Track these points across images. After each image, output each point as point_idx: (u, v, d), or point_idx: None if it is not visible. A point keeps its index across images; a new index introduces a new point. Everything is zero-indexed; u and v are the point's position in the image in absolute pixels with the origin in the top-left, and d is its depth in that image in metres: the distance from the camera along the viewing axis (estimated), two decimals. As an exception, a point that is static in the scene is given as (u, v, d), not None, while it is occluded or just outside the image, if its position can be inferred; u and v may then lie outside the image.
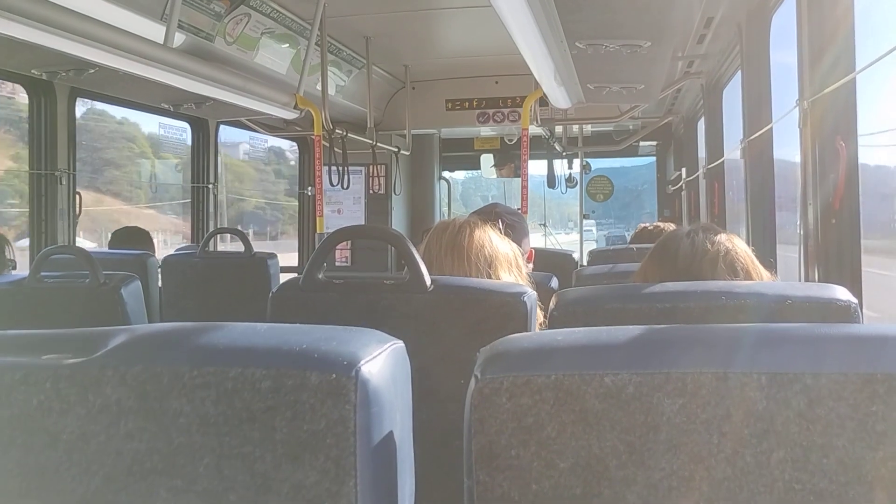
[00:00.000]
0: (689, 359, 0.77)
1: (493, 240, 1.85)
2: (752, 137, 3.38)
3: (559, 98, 3.86)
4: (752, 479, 0.76)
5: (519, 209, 3.72)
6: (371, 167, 6.08)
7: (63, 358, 0.85)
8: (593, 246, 10.43)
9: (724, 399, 0.76)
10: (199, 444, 0.81)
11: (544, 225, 10.41)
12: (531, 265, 2.23)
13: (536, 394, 0.78)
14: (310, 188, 5.97)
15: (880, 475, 0.74)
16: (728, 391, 0.76)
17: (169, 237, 10.11)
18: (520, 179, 4.29)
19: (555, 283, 2.84)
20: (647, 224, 4.58)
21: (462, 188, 7.35)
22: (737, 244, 1.61)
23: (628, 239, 5.40)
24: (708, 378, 0.76)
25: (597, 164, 7.61)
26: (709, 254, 1.57)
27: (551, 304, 1.38)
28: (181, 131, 5.51)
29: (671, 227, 2.98)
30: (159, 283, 3.75)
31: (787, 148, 3.25)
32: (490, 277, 1.78)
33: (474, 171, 8.22)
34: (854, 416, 0.74)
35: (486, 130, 6.85)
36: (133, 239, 4.23)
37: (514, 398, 0.78)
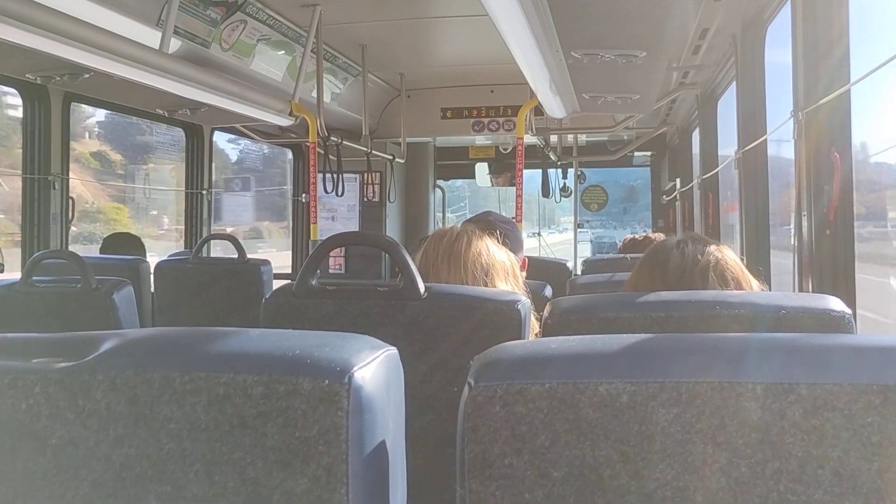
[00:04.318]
0: (684, 368, 0.77)
1: (490, 248, 1.85)
2: (746, 148, 3.39)
3: (554, 107, 3.87)
4: (746, 490, 0.75)
5: (513, 218, 3.72)
6: (366, 175, 6.08)
7: (53, 362, 0.84)
8: (588, 244, 10.43)
9: (719, 409, 0.75)
10: (189, 450, 0.80)
11: (539, 234, 10.41)
12: (524, 274, 2.23)
13: (530, 402, 0.77)
14: (304, 195, 5.96)
15: (875, 486, 0.74)
16: (723, 401, 0.75)
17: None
18: (514, 188, 4.29)
19: (549, 291, 2.84)
20: (636, 234, 4.58)
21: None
22: (726, 254, 1.61)
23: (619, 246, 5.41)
24: (703, 388, 0.75)
25: (591, 172, 7.62)
26: (699, 264, 1.57)
27: (545, 312, 1.37)
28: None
29: (660, 237, 2.99)
30: (152, 289, 3.74)
31: (782, 158, 3.26)
32: (487, 286, 1.78)
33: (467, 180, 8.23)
34: (849, 426, 0.74)
35: (481, 139, 6.86)
36: (124, 245, 4.22)
37: (508, 406, 0.77)
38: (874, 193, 2.75)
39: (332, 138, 4.66)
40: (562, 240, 14.73)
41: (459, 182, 11.90)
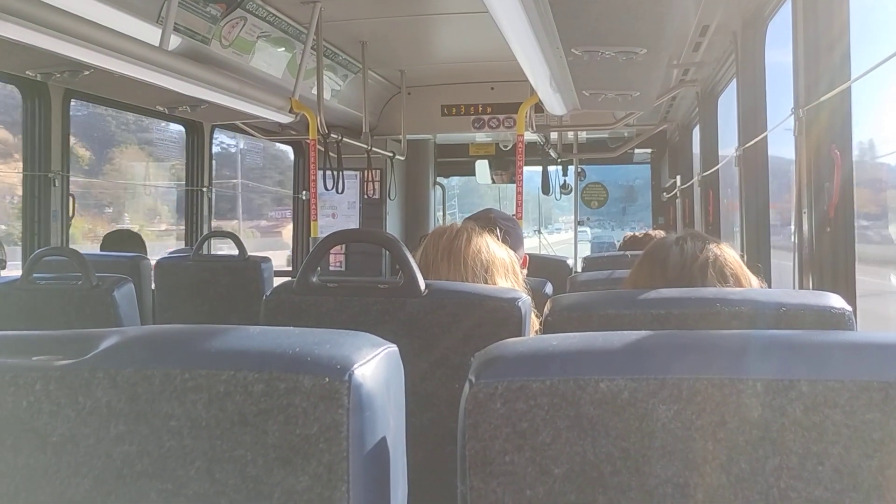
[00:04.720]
0: (684, 365, 0.77)
1: (489, 245, 1.85)
2: (746, 145, 3.39)
3: (554, 104, 3.86)
4: (747, 487, 0.75)
5: (514, 215, 3.72)
6: (366, 172, 6.08)
7: (54, 359, 0.84)
8: (587, 245, 10.44)
9: (720, 406, 0.75)
10: (190, 447, 0.80)
11: (539, 231, 10.42)
12: (525, 271, 2.23)
13: (531, 399, 0.77)
14: (304, 192, 5.97)
15: (876, 483, 0.74)
16: (723, 398, 0.75)
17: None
18: (514, 185, 4.29)
19: (549, 288, 2.84)
20: (636, 232, 4.58)
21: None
22: (725, 251, 1.61)
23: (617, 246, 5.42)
24: (703, 384, 0.76)
25: (589, 171, 7.61)
26: (698, 260, 1.58)
27: (546, 309, 1.38)
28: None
29: (660, 234, 2.99)
30: (152, 286, 3.74)
31: (782, 155, 3.26)
32: (487, 283, 1.78)
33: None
34: (850, 423, 0.74)
35: (481, 136, 6.85)
36: (125, 242, 4.22)
37: (509, 403, 0.78)
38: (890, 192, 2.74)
39: (332, 135, 4.66)
40: (558, 240, 14.65)
41: (454, 181, 11.84)
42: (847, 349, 0.78)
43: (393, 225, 6.49)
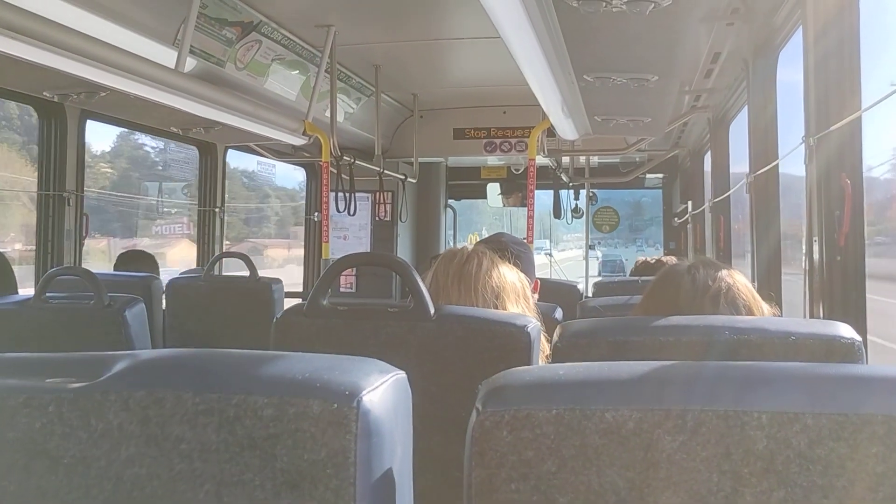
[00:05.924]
0: (690, 396, 0.77)
1: (501, 270, 1.85)
2: (757, 172, 3.39)
3: (566, 129, 3.88)
4: None
5: (525, 239, 3.73)
6: (378, 194, 6.11)
7: (67, 382, 0.85)
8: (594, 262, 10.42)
9: (724, 437, 0.76)
10: (199, 470, 0.81)
11: (550, 254, 10.41)
12: (536, 296, 2.23)
13: (537, 428, 0.78)
14: (316, 214, 5.99)
15: None
16: (728, 429, 0.76)
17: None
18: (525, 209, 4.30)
19: (559, 314, 2.84)
20: (648, 258, 4.57)
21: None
22: (737, 279, 1.61)
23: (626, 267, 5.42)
24: (708, 416, 0.76)
25: (603, 194, 7.63)
26: (710, 290, 1.58)
27: (555, 335, 1.38)
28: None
29: (672, 260, 2.98)
30: (163, 306, 3.76)
31: (794, 183, 3.25)
32: (497, 308, 1.78)
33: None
34: (854, 457, 0.74)
35: (492, 160, 6.87)
36: (137, 261, 4.26)
37: (515, 432, 0.78)
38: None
39: (344, 158, 4.69)
40: (561, 258, 14.58)
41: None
42: (851, 382, 0.78)
43: (404, 247, 6.51)
